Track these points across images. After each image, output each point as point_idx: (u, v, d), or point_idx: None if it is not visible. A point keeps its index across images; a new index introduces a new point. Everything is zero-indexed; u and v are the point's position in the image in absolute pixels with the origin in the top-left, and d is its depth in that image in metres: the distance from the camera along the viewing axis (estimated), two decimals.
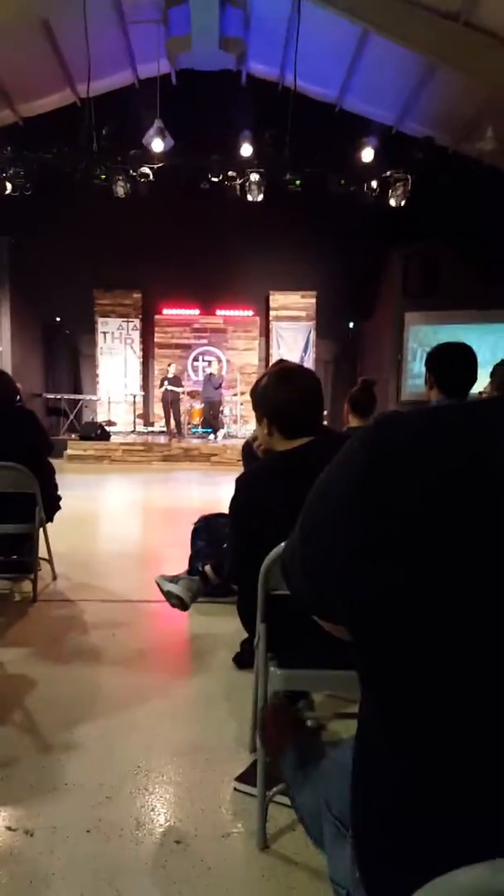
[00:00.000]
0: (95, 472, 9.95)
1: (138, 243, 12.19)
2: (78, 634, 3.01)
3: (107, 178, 10.36)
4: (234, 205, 10.90)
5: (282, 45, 10.37)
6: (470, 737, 0.45)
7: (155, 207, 11.00)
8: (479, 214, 9.80)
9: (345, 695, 2.25)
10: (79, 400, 13.53)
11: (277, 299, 13.96)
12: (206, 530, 3.72)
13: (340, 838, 0.86)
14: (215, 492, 7.62)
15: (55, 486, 3.82)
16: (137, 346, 14.12)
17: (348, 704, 2.23)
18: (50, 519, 3.69)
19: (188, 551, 3.66)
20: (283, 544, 0.96)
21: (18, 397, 4.21)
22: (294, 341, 13.86)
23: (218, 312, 14.16)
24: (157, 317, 14.16)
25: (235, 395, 13.28)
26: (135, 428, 13.02)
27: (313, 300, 13.85)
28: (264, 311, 14.18)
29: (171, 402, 12.43)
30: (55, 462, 3.87)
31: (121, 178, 10.39)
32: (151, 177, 10.49)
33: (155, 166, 10.39)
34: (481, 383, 2.36)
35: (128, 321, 14.04)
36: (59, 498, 3.86)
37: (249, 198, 10.65)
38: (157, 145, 9.96)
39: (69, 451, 10.93)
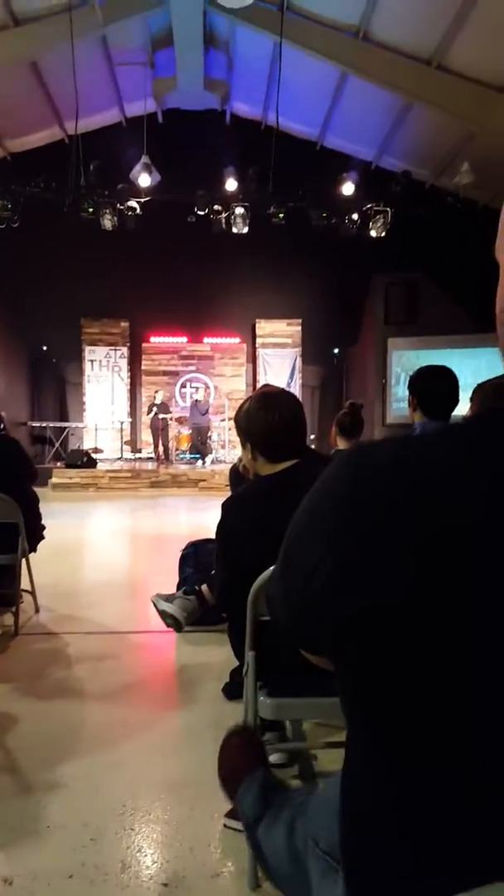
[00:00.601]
0: (81, 500, 9.86)
1: (126, 273, 12.32)
2: (61, 669, 2.93)
3: (94, 212, 10.53)
4: (219, 236, 11.09)
5: (264, 85, 10.70)
6: (459, 756, 0.44)
7: (142, 238, 11.15)
8: (457, 244, 10.04)
9: (337, 723, 2.20)
10: (65, 428, 13.48)
11: (264, 327, 14.10)
12: (195, 556, 3.69)
13: (331, 873, 0.85)
14: (203, 517, 7.56)
15: (39, 516, 3.77)
16: (125, 373, 14.15)
17: (338, 732, 2.18)
18: (33, 549, 3.63)
19: (176, 578, 3.62)
20: (270, 569, 0.94)
21: (2, 426, 4.18)
22: (280, 367, 13.97)
23: (205, 340, 14.25)
24: (144, 344, 14.22)
25: (223, 420, 13.30)
26: (122, 455, 12.96)
27: (299, 327, 14.02)
28: (251, 338, 14.31)
29: (160, 429, 12.42)
30: (40, 490, 3.83)
31: (108, 211, 10.54)
32: (138, 210, 10.65)
33: (142, 200, 10.56)
34: (464, 406, 2.38)
35: (115, 349, 14.08)
36: (43, 527, 3.81)
37: (235, 230, 10.84)
38: (144, 180, 10.17)
39: (54, 480, 10.83)
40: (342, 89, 10.12)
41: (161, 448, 12.49)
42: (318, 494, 0.52)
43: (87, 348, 14.03)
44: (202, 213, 10.74)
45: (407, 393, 2.54)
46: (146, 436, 13.57)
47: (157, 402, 12.47)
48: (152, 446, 12.82)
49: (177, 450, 13.03)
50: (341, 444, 3.40)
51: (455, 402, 2.43)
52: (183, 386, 14.21)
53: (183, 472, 11.28)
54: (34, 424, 13.36)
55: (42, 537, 3.80)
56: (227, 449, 13.22)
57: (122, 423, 13.27)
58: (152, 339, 14.24)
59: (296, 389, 13.62)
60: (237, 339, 14.31)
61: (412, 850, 0.49)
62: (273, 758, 2.05)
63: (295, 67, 9.27)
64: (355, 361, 13.37)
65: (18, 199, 10.39)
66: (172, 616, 2.99)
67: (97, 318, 13.87)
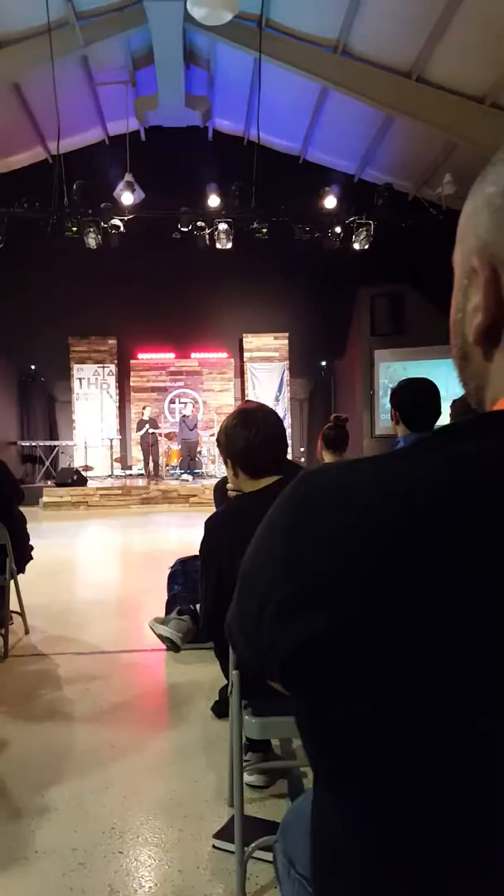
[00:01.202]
0: (72, 519, 9.82)
1: (112, 290, 12.35)
2: (51, 690, 2.91)
3: (78, 231, 10.57)
4: (204, 252, 11.16)
5: (245, 101, 10.78)
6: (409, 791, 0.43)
7: (127, 256, 11.19)
8: (441, 255, 10.15)
9: None
10: (55, 446, 13.44)
11: (251, 341, 14.15)
12: (183, 574, 3.69)
13: None
14: (193, 533, 7.52)
15: (27, 536, 3.76)
16: (113, 390, 14.15)
17: None
18: (21, 570, 3.62)
19: (166, 596, 3.61)
20: None
21: None
22: (269, 381, 14.02)
23: (193, 355, 14.29)
24: (132, 361, 14.24)
25: (212, 435, 13.30)
26: (112, 472, 12.93)
27: (286, 341, 14.07)
28: (238, 352, 14.36)
29: (150, 445, 12.42)
30: (30, 510, 3.82)
31: (92, 230, 10.59)
32: (122, 228, 10.70)
33: (125, 218, 10.62)
34: (447, 417, 2.40)
35: (103, 367, 14.09)
36: (31, 548, 3.80)
37: (219, 246, 10.90)
38: (127, 198, 10.22)
39: (45, 499, 10.78)
40: (323, 103, 10.20)
41: (151, 464, 12.47)
42: (268, 522, 0.51)
43: (76, 366, 14.03)
44: (186, 229, 10.81)
45: None
46: (136, 452, 13.54)
47: (146, 417, 12.47)
48: (143, 462, 12.79)
49: (167, 465, 13.01)
50: (327, 458, 3.42)
51: (437, 413, 2.45)
52: (172, 402, 14.22)
53: (173, 489, 11.26)
54: (24, 444, 13.31)
55: (30, 558, 3.79)
56: (218, 464, 13.21)
57: (111, 440, 13.24)
58: (140, 355, 14.26)
59: (284, 403, 13.66)
60: (225, 354, 14.36)
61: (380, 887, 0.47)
62: (252, 779, 2.05)
63: (275, 82, 9.36)
64: (343, 374, 13.43)
65: (2, 220, 10.43)
66: (169, 639, 2.99)
67: (84, 336, 13.89)
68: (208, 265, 11.61)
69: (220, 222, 10.66)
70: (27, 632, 3.74)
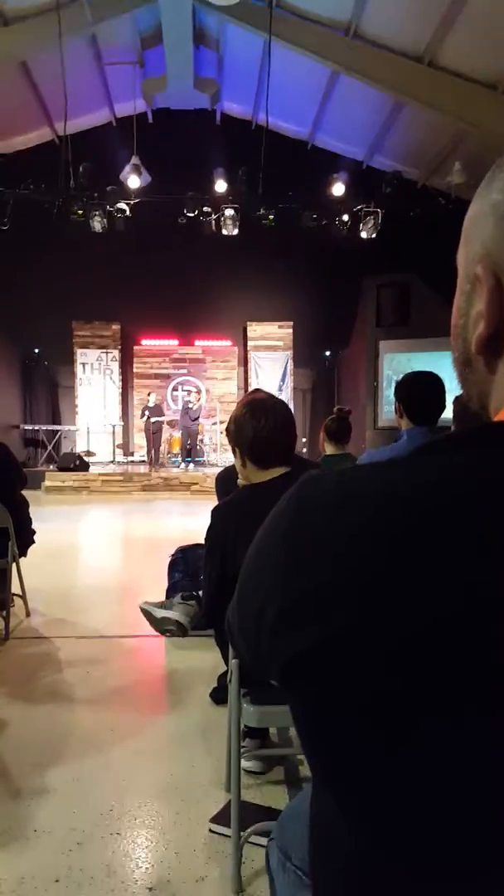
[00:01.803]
0: (74, 504, 9.85)
1: (117, 276, 12.27)
2: (51, 673, 2.94)
3: (83, 214, 10.49)
4: (210, 238, 11.07)
5: (254, 85, 10.66)
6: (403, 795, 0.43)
7: (132, 241, 11.12)
8: (449, 245, 10.08)
9: None
10: (57, 431, 13.45)
11: (255, 329, 14.09)
12: (184, 562, 3.70)
13: (303, 890, 0.82)
14: (195, 521, 7.56)
15: (29, 520, 3.78)
16: (117, 376, 14.13)
17: None
18: (23, 553, 3.64)
19: (166, 583, 3.63)
20: None
21: None
22: (272, 370, 13.98)
23: (197, 343, 14.25)
24: (136, 347, 14.21)
25: (215, 423, 13.30)
26: (114, 458, 12.94)
27: (290, 330, 14.01)
28: (242, 341, 14.31)
29: (153, 432, 12.42)
30: (32, 494, 3.84)
31: (97, 213, 10.51)
32: (128, 212, 10.62)
33: (131, 202, 10.54)
34: (451, 411, 2.40)
35: (107, 352, 14.06)
36: (33, 531, 3.82)
37: (225, 232, 10.83)
38: (134, 181, 10.15)
39: (47, 483, 10.82)
40: (333, 88, 10.08)
41: (153, 451, 12.49)
42: (266, 529, 0.52)
43: (79, 351, 14.01)
44: (192, 214, 10.73)
45: None
46: (139, 439, 13.55)
47: (151, 404, 12.46)
48: (145, 449, 12.80)
49: (169, 453, 13.02)
50: (329, 450, 3.43)
51: (441, 407, 2.44)
52: (175, 389, 14.20)
53: (175, 476, 11.28)
54: (26, 427, 13.33)
55: (32, 542, 3.81)
56: (220, 452, 13.23)
57: (113, 426, 13.25)
58: (144, 341, 14.22)
59: (287, 392, 13.65)
60: (229, 342, 14.31)
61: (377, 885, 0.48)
62: (249, 765, 2.08)
63: (285, 66, 9.23)
64: (347, 364, 13.38)
65: (8, 202, 10.35)
66: (177, 622, 3.00)
67: (88, 320, 13.84)
68: (214, 251, 11.54)
69: (226, 208, 10.58)
70: (28, 614, 3.77)
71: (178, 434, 12.87)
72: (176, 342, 14.23)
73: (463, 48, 8.19)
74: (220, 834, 1.78)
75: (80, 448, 13.16)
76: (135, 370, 14.23)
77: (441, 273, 10.86)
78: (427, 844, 0.43)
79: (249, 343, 14.15)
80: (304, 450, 12.57)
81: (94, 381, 14.09)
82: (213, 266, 12.14)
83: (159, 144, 10.98)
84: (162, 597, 3.57)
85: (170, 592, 3.52)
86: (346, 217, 10.66)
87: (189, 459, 12.32)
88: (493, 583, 0.38)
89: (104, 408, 13.97)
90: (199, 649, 3.11)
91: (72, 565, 5.67)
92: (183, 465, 12.22)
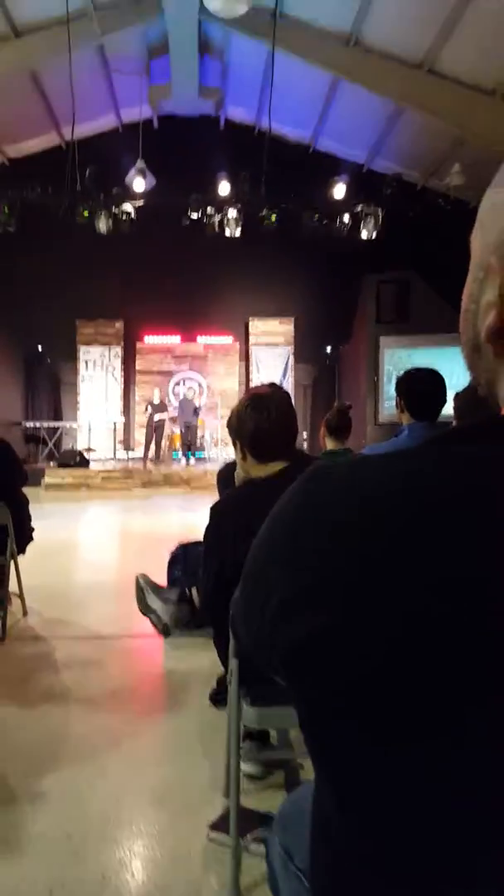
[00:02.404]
0: (73, 501, 9.82)
1: (120, 274, 12.33)
2: (48, 674, 2.90)
3: (89, 216, 10.57)
4: (212, 238, 11.11)
5: (257, 91, 10.71)
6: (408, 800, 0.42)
7: (137, 241, 11.17)
8: (448, 244, 10.07)
9: None
10: (58, 427, 13.42)
11: (257, 325, 14.09)
12: (184, 559, 3.66)
13: (304, 894, 0.79)
14: (195, 517, 7.51)
15: (28, 518, 3.74)
16: (119, 372, 14.12)
17: None
18: (22, 551, 3.60)
19: (165, 579, 3.59)
20: None
21: None
22: (273, 366, 13.96)
23: (199, 339, 14.23)
24: (138, 344, 14.20)
25: (216, 418, 13.29)
26: (115, 454, 12.92)
27: (291, 326, 14.01)
28: (244, 336, 14.29)
29: (155, 429, 12.42)
30: (32, 490, 3.80)
31: (103, 215, 10.62)
32: (133, 214, 10.69)
33: (136, 204, 10.59)
34: (451, 406, 2.38)
35: (110, 349, 14.06)
36: (32, 529, 3.78)
37: (227, 232, 10.87)
38: (139, 185, 10.25)
39: (47, 480, 10.77)
40: (334, 93, 10.16)
41: (153, 447, 12.47)
42: (275, 517, 0.52)
43: (82, 348, 14.02)
44: (196, 216, 10.78)
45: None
46: (140, 435, 13.53)
47: (156, 401, 12.46)
48: (143, 446, 12.78)
49: (170, 448, 13.01)
50: (329, 445, 3.39)
51: (442, 402, 2.43)
52: (177, 384, 14.18)
53: (175, 472, 11.25)
54: (28, 424, 13.30)
55: (31, 539, 3.77)
56: (220, 447, 13.20)
57: (115, 422, 13.23)
58: (146, 338, 14.21)
59: (288, 388, 13.62)
60: (230, 338, 14.29)
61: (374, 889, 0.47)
62: (249, 769, 2.03)
63: (288, 73, 9.30)
64: (348, 360, 13.35)
65: (16, 203, 10.45)
66: (162, 622, 2.98)
67: (92, 318, 13.85)
68: (216, 251, 11.55)
69: (229, 209, 10.62)
70: (25, 613, 3.72)
71: (177, 430, 12.85)
72: (178, 339, 14.21)
73: (462, 55, 8.24)
74: (218, 841, 1.74)
75: (80, 445, 13.13)
76: (137, 367, 14.22)
77: (440, 271, 10.93)
78: (422, 846, 0.42)
79: (251, 339, 14.13)
80: (305, 445, 12.56)
81: (97, 378, 14.08)
82: (215, 264, 12.16)
83: (164, 149, 11.03)
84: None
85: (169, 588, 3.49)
86: (346, 217, 10.68)
87: (189, 454, 12.30)
88: (497, 569, 0.38)
89: (106, 402, 13.95)
90: (198, 650, 3.06)
91: (70, 563, 5.64)
92: (183, 460, 12.21)
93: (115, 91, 11.29)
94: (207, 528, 1.91)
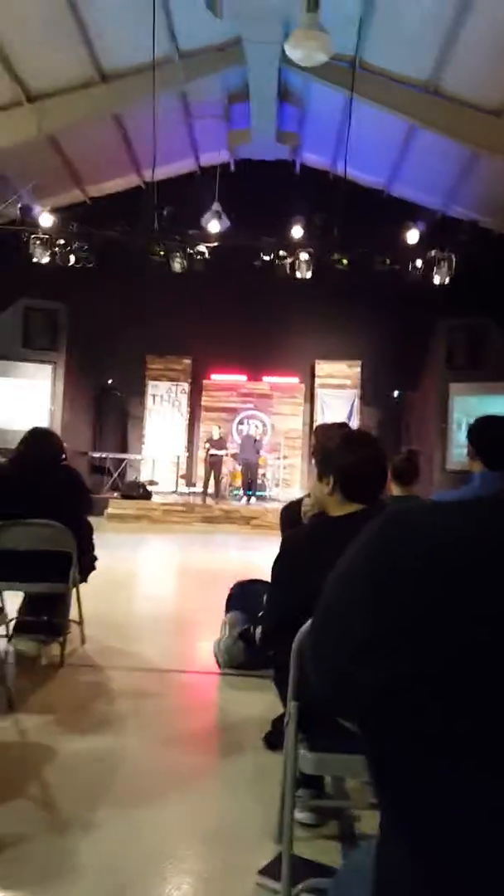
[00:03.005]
0: (135, 532, 9.98)
1: (191, 313, 12.63)
2: (103, 704, 2.92)
3: (165, 255, 10.97)
4: (283, 280, 11.31)
5: (334, 137, 10.95)
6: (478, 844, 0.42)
7: (209, 281, 11.48)
8: None
9: None
10: (123, 459, 13.76)
11: (323, 367, 14.14)
12: (242, 597, 3.65)
13: None
14: (253, 556, 7.49)
15: (92, 546, 3.81)
16: (185, 408, 14.43)
17: None
18: (84, 579, 3.66)
19: (222, 617, 3.58)
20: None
21: (63, 455, 4.28)
22: (338, 408, 13.91)
23: (264, 378, 14.40)
24: (205, 381, 14.50)
25: (278, 458, 13.30)
26: (177, 488, 13.10)
27: (359, 369, 13.98)
28: (309, 378, 14.37)
29: (212, 465, 12.53)
30: (95, 520, 3.88)
31: (178, 254, 10.97)
32: (207, 255, 11.03)
33: (211, 245, 10.94)
34: None
35: (177, 384, 14.42)
36: (96, 558, 3.84)
37: (298, 275, 11.05)
38: (214, 226, 10.57)
39: (110, 510, 11.01)
40: (411, 140, 10.26)
41: (212, 483, 12.55)
42: (350, 559, 0.52)
43: (151, 383, 14.41)
44: (268, 258, 11.01)
45: (467, 440, 2.49)
46: (202, 471, 13.69)
47: (215, 437, 12.61)
48: (203, 481, 12.89)
49: (230, 486, 13.07)
50: (396, 491, 3.33)
51: None
52: (241, 423, 14.34)
53: (235, 509, 11.28)
54: (95, 455, 13.70)
55: (94, 568, 3.83)
56: (281, 487, 13.17)
57: (178, 456, 13.45)
58: (213, 376, 14.50)
59: None
60: (296, 379, 14.40)
61: None
62: (303, 817, 1.97)
63: (365, 120, 9.45)
64: (415, 405, 13.17)
65: (95, 242, 10.96)
66: (216, 655, 2.96)
67: (161, 354, 14.27)
68: (286, 292, 11.73)
69: (301, 251, 10.80)
70: (83, 641, 3.76)
71: (239, 467, 12.91)
72: (245, 377, 14.43)
73: None
74: (267, 887, 1.69)
75: (144, 477, 13.39)
76: (203, 403, 14.50)
77: None
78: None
79: (317, 381, 14.19)
80: None
81: (163, 413, 14.42)
82: (284, 305, 12.32)
83: (240, 192, 11.38)
84: (216, 630, 3.52)
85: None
86: (419, 262, 10.68)
87: (250, 493, 12.30)
88: None
89: (171, 438, 14.24)
90: (252, 690, 3.02)
91: (129, 593, 5.70)
92: (244, 498, 12.22)
93: (195, 134, 11.73)
94: (276, 560, 1.89)
